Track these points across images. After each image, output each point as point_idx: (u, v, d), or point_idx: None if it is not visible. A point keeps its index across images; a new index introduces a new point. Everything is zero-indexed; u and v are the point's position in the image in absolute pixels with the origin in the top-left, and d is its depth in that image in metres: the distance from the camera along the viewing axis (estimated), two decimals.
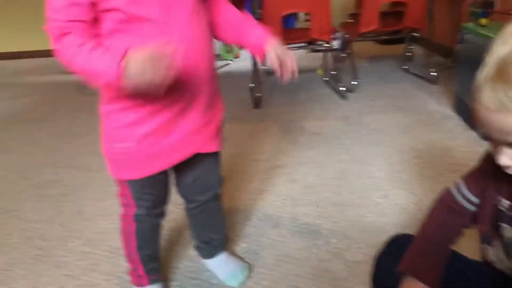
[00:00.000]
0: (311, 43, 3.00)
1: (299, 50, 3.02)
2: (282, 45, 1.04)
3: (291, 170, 2.05)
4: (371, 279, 0.94)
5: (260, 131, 2.53)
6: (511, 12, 2.38)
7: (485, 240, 0.83)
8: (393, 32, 3.23)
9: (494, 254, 0.82)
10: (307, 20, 3.85)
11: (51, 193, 1.98)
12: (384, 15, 3.02)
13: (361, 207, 1.70)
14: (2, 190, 2.04)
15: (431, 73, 3.16)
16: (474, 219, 0.86)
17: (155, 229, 1.25)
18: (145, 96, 0.93)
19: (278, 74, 1.03)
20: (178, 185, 1.22)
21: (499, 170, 0.70)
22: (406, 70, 3.51)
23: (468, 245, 0.95)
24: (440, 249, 0.86)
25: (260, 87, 3.12)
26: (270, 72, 3.76)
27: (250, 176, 2.01)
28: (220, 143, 1.15)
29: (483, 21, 2.22)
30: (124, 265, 1.35)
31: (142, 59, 0.81)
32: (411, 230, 0.95)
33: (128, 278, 1.32)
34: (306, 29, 2.98)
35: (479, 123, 0.65)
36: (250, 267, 1.39)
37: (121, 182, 1.13)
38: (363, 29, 2.96)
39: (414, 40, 3.62)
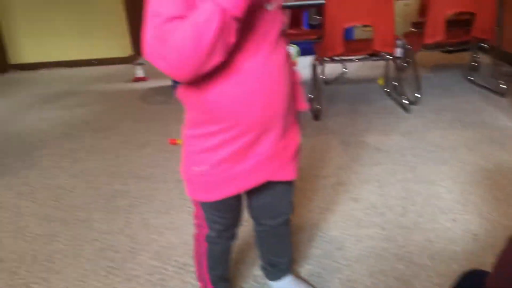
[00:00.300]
0: (373, 55, 2.95)
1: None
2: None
3: (353, 188, 2.02)
4: None
5: (320, 144, 2.51)
6: None
7: None
8: (460, 43, 3.12)
9: None
10: (365, 26, 3.79)
11: (120, 204, 2.07)
12: (449, 23, 2.92)
13: (429, 231, 1.65)
14: (74, 200, 2.15)
15: (500, 85, 3.02)
16: None
17: (226, 251, 1.28)
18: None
19: None
20: (249, 208, 1.24)
21: None
22: (472, 81, 3.38)
23: None
24: None
25: (320, 98, 3.10)
26: (328, 82, 3.74)
27: (310, 193, 2.00)
28: (295, 170, 1.15)
29: None
30: (192, 282, 1.40)
31: None
32: (485, 260, 0.91)
33: None
34: (368, 41, 2.93)
35: None
36: None
37: (196, 203, 1.17)
38: (428, 40, 2.87)
39: (481, 49, 3.47)
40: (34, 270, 1.64)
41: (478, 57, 3.57)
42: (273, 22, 0.96)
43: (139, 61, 4.49)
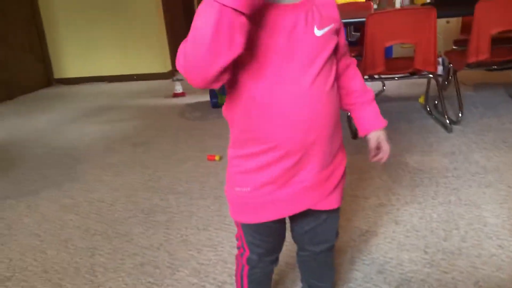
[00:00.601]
0: (413, 73, 2.91)
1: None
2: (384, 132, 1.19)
3: (394, 209, 1.98)
4: None
5: (359, 164, 2.48)
6: None
7: None
8: (504, 62, 3.03)
9: None
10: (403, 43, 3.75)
11: (159, 219, 2.10)
12: (493, 41, 2.84)
13: (474, 257, 1.60)
14: (115, 213, 2.20)
15: None
16: None
17: (267, 275, 1.26)
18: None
19: (371, 154, 1.20)
20: (293, 232, 1.23)
21: None
22: None
23: None
24: None
25: None
26: None
27: (350, 214, 1.98)
28: (339, 199, 1.13)
29: None
30: None
31: None
32: None
33: None
34: (409, 59, 2.89)
35: None
36: None
37: (237, 224, 1.17)
38: (472, 59, 2.80)
39: None
40: (77, 282, 1.68)
41: None
42: (323, 48, 0.94)
43: (178, 77, 4.58)
